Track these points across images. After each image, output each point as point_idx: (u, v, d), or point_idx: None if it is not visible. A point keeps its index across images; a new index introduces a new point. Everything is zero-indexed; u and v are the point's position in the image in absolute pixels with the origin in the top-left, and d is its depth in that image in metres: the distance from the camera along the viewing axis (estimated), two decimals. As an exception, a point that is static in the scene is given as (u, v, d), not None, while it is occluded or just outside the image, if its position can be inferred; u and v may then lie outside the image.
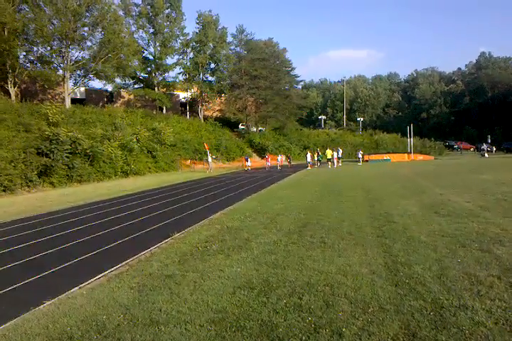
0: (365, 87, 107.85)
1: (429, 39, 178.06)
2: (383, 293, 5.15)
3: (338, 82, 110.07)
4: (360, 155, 42.82)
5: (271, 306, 4.84)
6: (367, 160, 44.76)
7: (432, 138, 62.90)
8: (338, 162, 38.58)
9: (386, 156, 47.42)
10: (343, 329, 4.19)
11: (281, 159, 39.95)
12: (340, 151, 40.31)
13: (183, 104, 55.94)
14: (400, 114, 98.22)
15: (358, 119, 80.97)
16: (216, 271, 6.32)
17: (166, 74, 51.09)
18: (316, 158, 39.19)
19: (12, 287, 6.22)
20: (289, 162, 42.18)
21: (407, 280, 5.53)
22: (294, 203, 13.48)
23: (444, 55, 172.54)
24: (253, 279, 5.85)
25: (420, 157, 48.59)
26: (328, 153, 38.16)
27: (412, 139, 50.16)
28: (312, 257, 6.83)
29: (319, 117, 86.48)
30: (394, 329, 4.19)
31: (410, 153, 48.77)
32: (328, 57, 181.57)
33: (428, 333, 4.07)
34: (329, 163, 37.62)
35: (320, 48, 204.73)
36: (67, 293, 5.82)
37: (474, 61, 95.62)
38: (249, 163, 37.74)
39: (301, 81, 71.61)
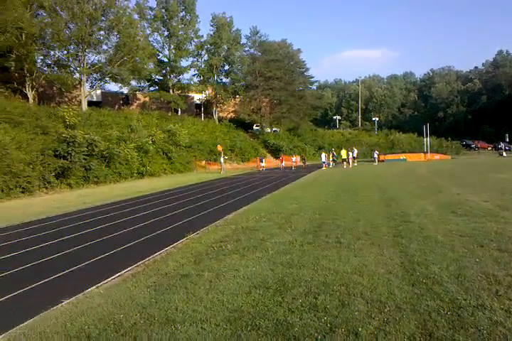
0: (381, 87, 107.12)
1: (444, 38, 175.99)
2: (400, 292, 5.10)
3: (353, 82, 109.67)
4: (375, 155, 42.48)
5: (286, 305, 4.84)
6: (383, 160, 44.40)
7: (449, 138, 62.14)
8: (353, 162, 38.35)
9: (402, 156, 46.98)
10: (359, 329, 4.16)
11: (295, 159, 39.93)
12: (356, 151, 40.06)
13: (197, 106, 56.26)
14: (416, 113, 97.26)
15: (374, 119, 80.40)
16: (231, 271, 6.34)
17: (181, 77, 51.69)
18: (331, 158, 39.04)
19: (31, 286, 6.33)
20: (304, 163, 41.92)
21: (424, 280, 5.48)
22: (308, 203, 13.44)
23: (461, 54, 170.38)
24: (268, 279, 5.85)
25: (437, 156, 48.01)
26: (343, 153, 37.96)
27: (428, 139, 49.59)
28: (327, 257, 6.79)
29: (334, 117, 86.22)
30: (410, 329, 4.15)
31: (427, 152, 48.21)
32: (342, 58, 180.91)
33: (445, 333, 4.02)
34: (344, 163, 37.42)
35: (334, 48, 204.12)
36: (84, 292, 5.90)
37: (491, 59, 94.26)
38: (263, 164, 37.99)
39: (315, 81, 71.48)
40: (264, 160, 39.40)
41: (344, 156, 37.67)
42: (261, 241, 8.20)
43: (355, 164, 38.61)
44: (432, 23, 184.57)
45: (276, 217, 10.96)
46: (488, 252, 6.63)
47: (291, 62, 59.30)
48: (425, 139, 49.92)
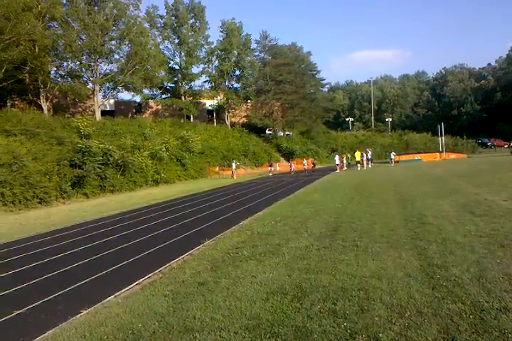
0: (393, 87, 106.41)
1: (456, 36, 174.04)
2: (420, 296, 5.02)
3: (365, 82, 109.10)
4: (392, 156, 42.08)
5: (305, 312, 4.79)
6: (397, 161, 44.00)
7: (464, 136, 61.37)
8: (367, 164, 38.07)
9: (417, 156, 46.53)
10: (380, 335, 4.10)
11: (307, 163, 39.67)
12: (370, 153, 39.72)
13: (209, 112, 56.53)
14: (430, 112, 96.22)
15: (387, 120, 79.85)
16: (248, 277, 6.31)
17: (192, 83, 52.13)
18: (344, 161, 38.80)
19: (50, 297, 6.37)
20: (313, 166, 40.98)
21: (444, 283, 5.38)
22: (324, 207, 13.36)
23: (473, 51, 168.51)
24: (286, 285, 5.81)
25: (452, 156, 47.47)
26: (357, 155, 37.71)
27: (443, 138, 49.08)
28: (345, 261, 6.73)
29: (346, 119, 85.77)
30: (432, 333, 4.07)
31: (442, 152, 47.70)
32: (353, 59, 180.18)
33: (468, 337, 3.94)
34: (359, 165, 37.17)
35: (345, 50, 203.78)
36: (102, 301, 5.92)
37: (505, 56, 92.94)
38: (271, 168, 38.71)
39: (326, 84, 71.50)
40: (273, 164, 39.82)
41: (358, 158, 37.41)
42: (277, 247, 8.16)
43: (370, 166, 38.31)
44: (442, 21, 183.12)
45: (291, 222, 10.91)
46: (509, 253, 6.50)
47: (302, 65, 59.33)
48: (440, 138, 49.41)
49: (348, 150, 50.67)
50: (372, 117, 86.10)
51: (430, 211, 10.88)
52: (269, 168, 38.35)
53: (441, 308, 4.62)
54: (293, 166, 39.52)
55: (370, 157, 39.23)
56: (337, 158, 37.55)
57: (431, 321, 4.32)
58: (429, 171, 28.12)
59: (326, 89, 79.84)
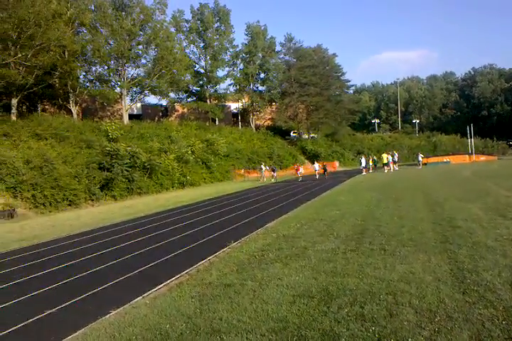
0: (420, 88, 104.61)
1: (484, 35, 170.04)
2: (450, 301, 4.92)
3: (391, 84, 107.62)
4: (420, 159, 41.37)
5: (332, 315, 4.75)
6: (425, 163, 43.22)
7: (494, 138, 59.86)
8: (394, 166, 37.52)
9: (445, 158, 45.62)
10: (409, 340, 4.04)
11: (319, 166, 35.89)
12: (396, 155, 39.12)
13: (234, 115, 56.81)
14: (459, 114, 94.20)
15: (414, 121, 78.60)
16: (274, 280, 6.30)
17: (218, 86, 52.35)
18: (370, 163, 38.31)
19: (80, 297, 6.50)
20: (325, 171, 34.67)
21: (475, 288, 5.26)
22: (350, 209, 13.23)
23: (503, 52, 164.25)
24: (312, 288, 5.78)
25: (482, 158, 46.35)
26: (384, 157, 37.22)
27: (472, 140, 48.00)
28: (372, 265, 6.64)
29: (373, 121, 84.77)
30: (463, 339, 3.98)
31: (471, 154, 46.64)
32: (379, 60, 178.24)
33: (501, 344, 3.84)
34: (385, 167, 36.68)
35: (370, 51, 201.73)
36: (131, 302, 6.01)
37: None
38: (275, 174, 34.85)
39: (352, 85, 70.61)
40: (276, 169, 36.17)
41: (385, 160, 36.93)
42: (303, 249, 8.13)
43: (397, 168, 37.76)
44: (470, 21, 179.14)
45: (317, 224, 10.85)
46: (543, 258, 6.30)
47: (327, 67, 58.99)
48: (469, 140, 48.34)
49: (374, 152, 50.06)
50: (399, 119, 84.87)
51: (460, 214, 10.65)
52: (273, 173, 34.54)
53: (472, 313, 4.52)
54: (300, 169, 35.30)
55: (396, 159, 38.65)
56: (363, 160, 37.17)
57: (462, 326, 4.23)
58: (458, 173, 27.54)
59: (352, 91, 78.96)
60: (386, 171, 35.62)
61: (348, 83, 66.30)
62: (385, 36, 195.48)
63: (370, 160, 38.68)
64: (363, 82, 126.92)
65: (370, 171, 37.05)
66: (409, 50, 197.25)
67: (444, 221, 9.90)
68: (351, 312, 4.78)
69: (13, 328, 5.41)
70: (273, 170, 35.17)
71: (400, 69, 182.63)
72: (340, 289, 5.61)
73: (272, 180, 34.13)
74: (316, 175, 35.11)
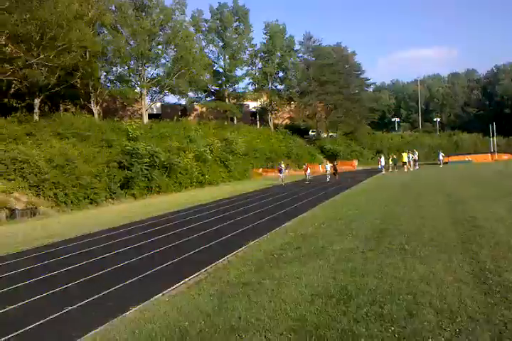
0: (441, 86, 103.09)
1: (506, 33, 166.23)
2: (471, 302, 4.85)
3: (412, 82, 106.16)
4: (441, 157, 40.74)
5: (351, 315, 4.72)
6: (446, 162, 42.54)
7: (518, 136, 58.52)
8: (414, 165, 37.05)
9: (467, 157, 44.82)
10: (430, 340, 3.98)
11: (330, 167, 32.34)
12: (416, 154, 38.60)
13: (253, 114, 56.83)
14: (481, 112, 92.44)
15: (435, 120, 77.45)
16: (293, 279, 6.29)
17: (236, 86, 52.49)
18: (390, 162, 37.86)
19: (101, 294, 6.60)
20: (335, 173, 31.60)
21: (497, 289, 5.17)
22: (369, 209, 13.13)
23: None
24: (331, 287, 5.75)
25: (505, 157, 45.38)
26: (404, 156, 36.77)
27: (494, 138, 47.06)
28: (392, 264, 6.58)
29: (392, 119, 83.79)
30: (485, 340, 3.91)
31: (494, 153, 45.73)
32: (399, 58, 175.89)
33: (525, 346, 3.76)
34: (405, 166, 36.25)
35: (390, 49, 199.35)
36: (151, 299, 6.08)
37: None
38: (282, 175, 30.26)
39: (371, 84, 69.96)
40: (283, 170, 30.90)
41: (405, 159, 36.48)
42: (321, 249, 8.10)
43: (417, 167, 37.27)
44: (490, 18, 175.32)
45: (335, 224, 10.79)
46: None
47: (346, 66, 58.57)
48: (492, 139, 47.43)
49: (394, 151, 49.48)
50: (420, 117, 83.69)
51: (481, 214, 10.47)
52: (280, 174, 30.19)
53: (494, 314, 4.45)
54: (309, 171, 31.01)
55: (417, 158, 38.16)
56: (382, 159, 36.78)
57: (483, 327, 4.17)
58: (480, 173, 27.06)
59: (371, 89, 78.21)
60: (406, 170, 35.20)
61: (368, 81, 65.78)
62: (404, 34, 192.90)
63: (390, 159, 38.22)
64: (383, 80, 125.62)
65: (390, 170, 36.64)
66: (430, 48, 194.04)
67: (466, 221, 9.76)
68: (370, 312, 4.75)
69: (35, 324, 5.52)
70: (280, 171, 30.42)
71: (420, 67, 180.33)
72: (360, 289, 5.57)
73: (280, 181, 29.59)
74: (327, 176, 30.85)
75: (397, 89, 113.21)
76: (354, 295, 5.34)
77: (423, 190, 18.16)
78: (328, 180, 29.70)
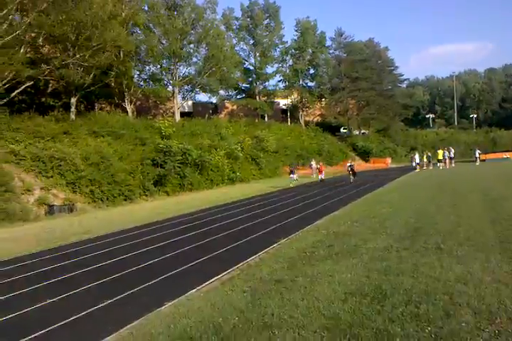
0: (478, 82, 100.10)
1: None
2: (511, 302, 4.70)
3: (447, 77, 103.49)
4: (477, 154, 39.58)
5: (386, 314, 4.66)
6: (483, 160, 41.29)
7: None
8: (450, 162, 36.16)
9: (505, 155, 43.35)
10: (468, 342, 3.90)
11: (352, 165, 27.81)
12: (452, 151, 37.65)
13: (283, 111, 56.64)
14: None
15: (471, 116, 75.33)
16: (326, 277, 6.25)
17: (267, 83, 52.33)
18: (425, 160, 37.07)
19: (137, 288, 6.75)
20: (353, 173, 27.14)
21: (539, 290, 5.00)
22: (403, 207, 12.91)
23: None
24: (365, 286, 5.69)
25: (546, 154, 43.67)
26: (440, 153, 35.94)
27: (535, 135, 45.39)
28: (428, 264, 6.45)
29: (427, 116, 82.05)
30: (527, 343, 3.80)
31: (534, 149, 44.11)
32: (433, 53, 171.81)
33: None
34: (440, 164, 35.42)
35: (424, 44, 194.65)
36: (185, 295, 6.17)
37: None
38: (294, 176, 28.31)
39: (405, 79, 68.54)
40: (294, 170, 28.94)
41: (440, 157, 35.65)
42: (354, 247, 8.02)
43: (453, 165, 36.37)
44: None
45: (369, 222, 10.66)
46: None
47: (379, 61, 57.62)
48: (532, 135, 45.77)
49: (429, 148, 48.39)
50: (455, 113, 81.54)
51: (522, 213, 10.13)
52: (291, 175, 28.19)
53: (536, 317, 4.30)
54: (323, 173, 29.13)
55: (452, 155, 37.21)
56: (417, 156, 36.02)
57: (525, 330, 4.04)
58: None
59: (405, 85, 76.71)
60: (441, 168, 34.41)
61: (401, 77, 64.52)
62: (438, 28, 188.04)
63: (424, 157, 37.41)
64: (417, 76, 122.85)
65: (424, 168, 35.89)
66: (465, 42, 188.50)
67: (504, 219, 9.47)
68: (406, 312, 4.67)
69: (75, 316, 5.70)
70: (291, 172, 28.50)
71: (456, 63, 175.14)
72: (395, 288, 5.49)
73: (291, 184, 27.21)
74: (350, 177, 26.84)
75: (432, 85, 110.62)
76: (389, 295, 5.26)
77: (459, 187, 17.71)
78: (351, 181, 26.22)
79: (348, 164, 28.13)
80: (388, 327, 4.32)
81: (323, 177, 29.00)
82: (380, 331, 4.25)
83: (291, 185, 26.85)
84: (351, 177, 26.75)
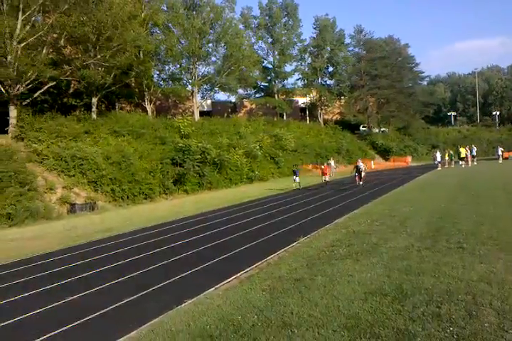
0: (501, 78, 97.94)
1: None
2: (537, 304, 4.61)
3: (469, 74, 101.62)
4: (500, 152, 38.76)
5: (407, 314, 4.61)
6: (507, 158, 40.46)
7: None
8: (472, 161, 35.50)
9: (530, 152, 42.41)
10: (491, 343, 3.84)
11: (364, 166, 23.98)
12: (475, 149, 36.94)
13: (302, 109, 56.43)
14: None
15: (494, 113, 73.79)
16: (345, 276, 6.22)
17: (285, 81, 52.18)
18: (446, 158, 36.47)
19: (157, 286, 6.82)
20: (359, 176, 23.05)
21: None
22: (424, 206, 12.74)
23: None
24: (385, 285, 5.64)
25: None
26: (462, 151, 35.31)
27: (560, 132, 44.22)
28: (449, 263, 6.36)
29: (449, 114, 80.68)
30: (553, 345, 3.72)
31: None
32: (454, 50, 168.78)
33: None
34: (462, 162, 34.81)
35: (444, 41, 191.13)
36: (204, 293, 6.21)
37: None
38: (297, 178, 25.44)
39: (426, 77, 67.39)
40: (297, 172, 26.32)
41: (463, 155, 35.02)
42: (374, 246, 7.95)
43: (475, 163, 35.70)
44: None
45: (389, 221, 10.56)
46: None
47: (399, 59, 56.84)
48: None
49: (450, 146, 47.59)
50: (478, 111, 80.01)
51: (547, 212, 9.90)
52: (295, 178, 25.41)
53: (562, 318, 4.20)
54: (328, 174, 26.84)
55: (475, 153, 36.53)
56: (438, 154, 35.46)
57: (551, 332, 3.95)
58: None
59: (426, 83, 75.56)
60: (463, 166, 33.84)
61: (422, 74, 63.52)
62: (460, 24, 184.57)
63: (446, 155, 36.81)
64: (438, 73, 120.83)
65: (446, 166, 35.33)
66: (487, 38, 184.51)
67: (529, 219, 9.26)
68: (427, 312, 4.62)
69: (96, 313, 5.79)
70: (294, 174, 25.88)
71: (478, 59, 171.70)
72: (415, 288, 5.43)
73: (293, 185, 25.37)
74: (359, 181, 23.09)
75: (453, 82, 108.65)
76: (410, 294, 5.21)
77: (481, 186, 17.39)
78: (360, 184, 22.73)
79: (357, 165, 23.57)
80: (409, 326, 4.28)
81: (327, 180, 26.18)
82: (401, 331, 4.21)
83: (294, 187, 25.01)
84: (359, 182, 22.69)
